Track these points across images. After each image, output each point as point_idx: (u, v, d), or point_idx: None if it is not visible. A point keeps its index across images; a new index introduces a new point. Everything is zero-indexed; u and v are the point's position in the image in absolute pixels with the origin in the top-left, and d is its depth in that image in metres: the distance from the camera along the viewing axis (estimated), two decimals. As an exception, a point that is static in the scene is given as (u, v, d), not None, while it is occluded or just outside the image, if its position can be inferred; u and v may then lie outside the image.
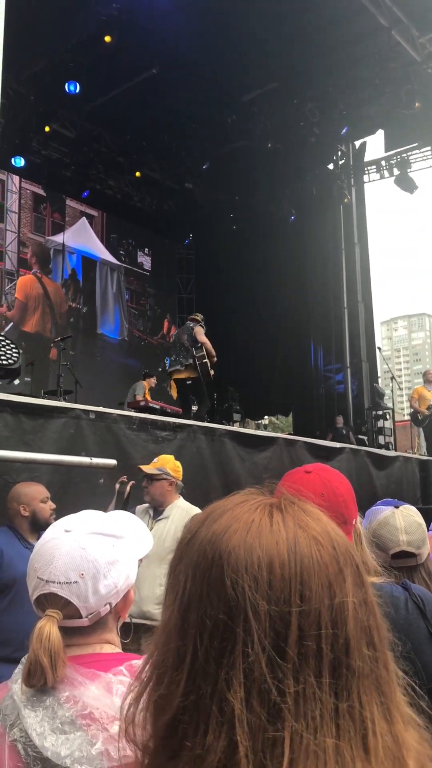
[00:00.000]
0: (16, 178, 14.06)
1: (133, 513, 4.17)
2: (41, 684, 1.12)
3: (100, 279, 16.49)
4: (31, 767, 1.07)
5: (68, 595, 1.18)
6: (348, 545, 0.71)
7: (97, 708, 1.12)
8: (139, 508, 4.39)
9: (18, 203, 14.39)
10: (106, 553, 1.23)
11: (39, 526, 3.62)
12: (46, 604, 1.19)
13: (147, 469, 4.28)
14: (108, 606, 1.22)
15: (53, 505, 3.66)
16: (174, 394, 8.46)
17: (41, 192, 14.74)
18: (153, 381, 10.51)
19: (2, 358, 5.60)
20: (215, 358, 8.13)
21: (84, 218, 15.90)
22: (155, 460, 4.36)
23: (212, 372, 8.18)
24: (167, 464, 4.31)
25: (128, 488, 4.21)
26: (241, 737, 0.63)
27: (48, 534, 1.27)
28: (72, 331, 14.82)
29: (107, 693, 1.13)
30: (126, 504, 4.16)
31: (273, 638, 0.65)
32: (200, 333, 8.10)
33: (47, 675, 1.11)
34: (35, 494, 3.66)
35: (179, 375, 8.19)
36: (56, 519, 1.32)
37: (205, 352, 7.93)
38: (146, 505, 4.37)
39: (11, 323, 13.98)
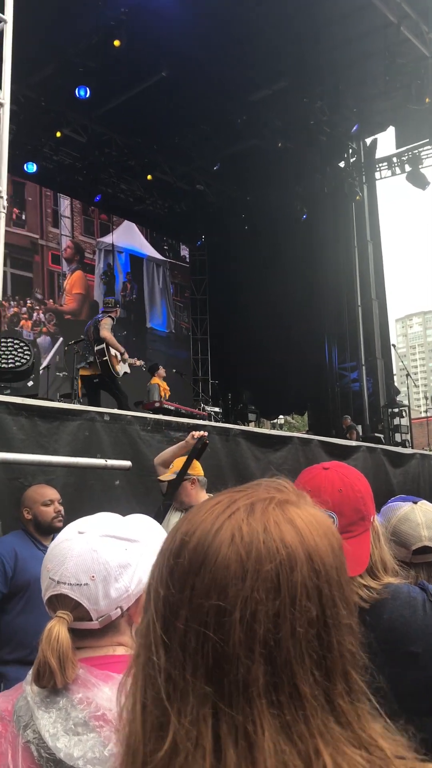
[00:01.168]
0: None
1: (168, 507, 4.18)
2: (51, 685, 1.12)
3: (147, 275, 17.26)
4: (45, 768, 1.08)
5: (78, 597, 1.18)
6: (282, 553, 0.65)
7: (110, 710, 1.11)
8: (175, 512, 4.36)
9: (70, 208, 15.30)
10: (118, 556, 1.22)
11: (42, 530, 3.65)
12: (57, 605, 1.19)
13: (165, 477, 4.24)
14: (119, 610, 1.22)
15: (59, 508, 3.67)
16: (79, 392, 8.01)
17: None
18: (162, 372, 10.34)
19: (10, 360, 5.63)
20: (124, 354, 7.83)
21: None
22: (170, 466, 4.33)
23: (121, 369, 7.84)
24: (179, 467, 4.28)
25: (201, 442, 4.00)
26: (137, 713, 0.65)
27: (62, 535, 1.27)
28: (123, 326, 15.44)
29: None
30: (199, 457, 3.97)
31: (163, 622, 0.66)
32: (104, 327, 7.75)
33: (56, 676, 1.11)
34: (37, 497, 3.69)
35: (84, 372, 7.87)
36: (67, 521, 1.32)
37: (105, 348, 7.58)
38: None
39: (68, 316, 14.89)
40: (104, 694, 1.13)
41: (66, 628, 1.16)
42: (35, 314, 14.34)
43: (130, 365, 8.31)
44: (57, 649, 1.13)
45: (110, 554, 1.22)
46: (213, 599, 0.63)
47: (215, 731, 0.61)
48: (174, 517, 4.28)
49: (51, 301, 14.81)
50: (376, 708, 0.69)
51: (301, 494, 0.74)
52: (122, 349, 7.78)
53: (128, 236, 16.79)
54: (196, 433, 4.06)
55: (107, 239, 16.17)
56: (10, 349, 5.99)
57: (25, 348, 6.16)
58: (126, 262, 16.75)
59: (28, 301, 14.27)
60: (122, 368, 7.87)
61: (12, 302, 13.58)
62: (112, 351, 7.71)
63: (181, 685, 0.63)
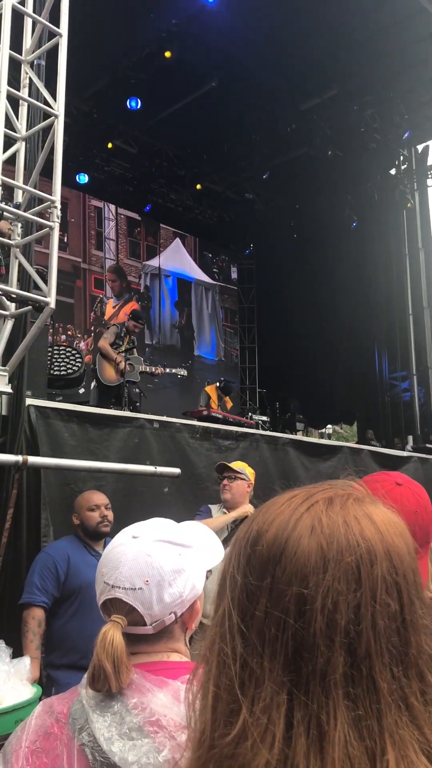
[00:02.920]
0: (112, 206, 14.65)
1: (207, 510, 4.21)
2: (105, 689, 1.13)
3: (195, 299, 16.59)
4: (99, 772, 1.08)
5: (133, 602, 1.18)
6: (362, 546, 0.66)
7: (165, 715, 1.11)
8: (213, 507, 4.39)
9: (115, 230, 14.84)
10: (172, 561, 1.23)
11: (89, 534, 3.70)
12: (111, 609, 1.20)
13: (234, 466, 4.29)
14: (173, 615, 1.22)
15: (105, 513, 3.71)
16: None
17: (136, 216, 15.16)
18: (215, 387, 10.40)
19: (62, 367, 5.72)
20: (120, 363, 7.81)
21: (177, 239, 16.20)
22: (232, 461, 4.38)
23: (115, 379, 7.82)
24: (246, 469, 4.34)
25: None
26: (209, 700, 0.66)
27: (116, 540, 1.28)
28: (171, 353, 15.09)
29: (175, 701, 1.13)
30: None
31: (240, 611, 0.66)
32: (103, 337, 7.95)
33: (110, 681, 1.12)
34: (83, 503, 3.74)
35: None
36: (117, 528, 1.33)
37: (99, 356, 7.79)
38: (219, 505, 4.37)
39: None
40: (159, 699, 1.13)
41: (120, 632, 1.16)
42: (76, 342, 13.62)
43: (148, 374, 8.43)
44: (111, 653, 1.13)
45: (164, 559, 1.22)
46: (294, 588, 0.64)
47: (288, 719, 0.61)
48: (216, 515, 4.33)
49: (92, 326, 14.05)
50: None
51: (373, 496, 0.74)
52: (114, 357, 7.82)
53: (176, 259, 16.13)
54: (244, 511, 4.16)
55: (153, 262, 15.60)
56: (62, 356, 6.10)
57: (77, 356, 6.26)
58: (174, 286, 16.09)
59: (69, 329, 13.65)
60: (129, 376, 7.82)
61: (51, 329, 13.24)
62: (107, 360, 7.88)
63: (257, 672, 0.63)
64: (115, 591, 1.20)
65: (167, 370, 8.74)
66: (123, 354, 7.73)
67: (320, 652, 0.62)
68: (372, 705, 0.61)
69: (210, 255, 16.89)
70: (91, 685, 1.14)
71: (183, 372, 9.13)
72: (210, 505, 4.38)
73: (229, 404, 9.89)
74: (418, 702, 0.64)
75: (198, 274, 16.76)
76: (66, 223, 13.66)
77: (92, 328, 14.08)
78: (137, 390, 8.12)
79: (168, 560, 1.22)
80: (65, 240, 13.76)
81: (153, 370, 8.44)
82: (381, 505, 0.72)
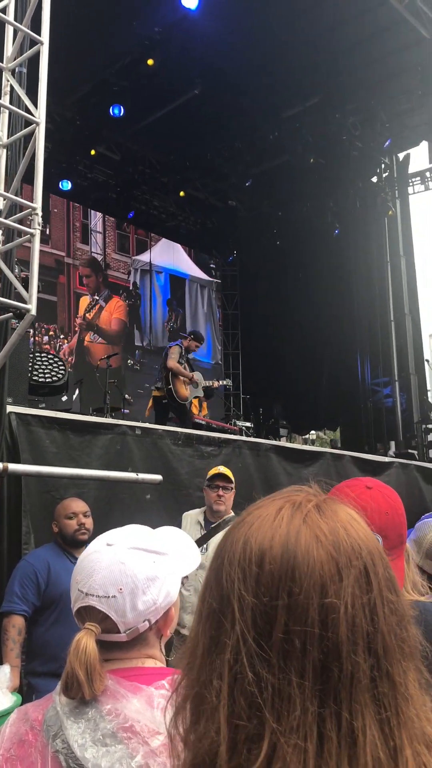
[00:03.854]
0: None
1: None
2: (79, 696, 1.13)
3: (189, 298, 15.85)
4: (72, 778, 1.08)
5: (106, 609, 1.19)
6: (363, 548, 0.68)
7: (139, 721, 1.12)
8: (190, 514, 4.38)
9: (102, 222, 13.98)
10: (146, 569, 1.23)
11: (67, 542, 3.70)
12: (85, 617, 1.21)
13: (230, 474, 4.26)
14: (147, 622, 1.22)
15: (83, 521, 3.70)
16: (147, 411, 8.61)
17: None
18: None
19: (46, 374, 5.71)
20: (193, 378, 8.17)
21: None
22: (222, 468, 4.34)
23: (189, 394, 8.18)
24: (231, 476, 4.32)
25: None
26: (222, 728, 0.64)
27: (91, 547, 1.29)
28: (160, 357, 14.09)
29: (149, 706, 1.14)
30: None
31: (257, 632, 0.65)
32: (171, 356, 8.13)
33: (83, 688, 1.12)
34: (61, 511, 3.74)
35: (156, 393, 8.36)
36: (99, 535, 1.33)
37: (168, 378, 8.00)
38: (198, 510, 4.37)
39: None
40: (133, 705, 1.14)
41: (94, 639, 1.17)
42: (59, 343, 12.88)
43: (208, 387, 8.65)
44: (84, 660, 1.14)
45: (138, 567, 1.22)
46: (315, 600, 0.64)
47: (320, 731, 0.61)
48: (194, 523, 4.30)
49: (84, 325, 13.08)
50: None
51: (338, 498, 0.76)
52: (189, 375, 8.12)
53: (168, 254, 15.32)
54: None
55: (144, 257, 14.82)
56: (45, 363, 6.08)
57: (60, 363, 6.25)
58: (166, 283, 15.25)
59: (51, 329, 12.78)
60: (192, 392, 8.19)
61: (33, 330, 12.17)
62: (180, 378, 8.10)
63: (285, 691, 0.63)
64: (89, 599, 1.20)
65: (220, 382, 8.97)
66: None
67: (348, 658, 0.63)
68: (392, 704, 0.63)
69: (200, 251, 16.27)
70: (64, 692, 1.15)
71: (228, 382, 9.60)
72: (188, 512, 4.39)
73: (204, 411, 9.92)
74: (417, 692, 0.66)
75: (193, 270, 16.06)
76: (47, 214, 12.69)
77: (76, 329, 13.44)
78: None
79: (142, 568, 1.23)
80: (47, 232, 12.89)
81: (212, 384, 8.71)
82: (349, 507, 0.75)
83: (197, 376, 8.27)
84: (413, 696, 0.65)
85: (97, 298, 14.06)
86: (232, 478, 4.27)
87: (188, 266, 16.06)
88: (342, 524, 0.70)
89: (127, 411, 9.14)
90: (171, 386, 7.94)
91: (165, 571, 1.26)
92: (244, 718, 0.63)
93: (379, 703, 0.63)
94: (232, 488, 4.25)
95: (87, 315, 13.73)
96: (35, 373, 5.72)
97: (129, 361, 14.25)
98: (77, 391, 7.48)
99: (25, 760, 1.13)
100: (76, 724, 1.13)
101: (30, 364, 5.73)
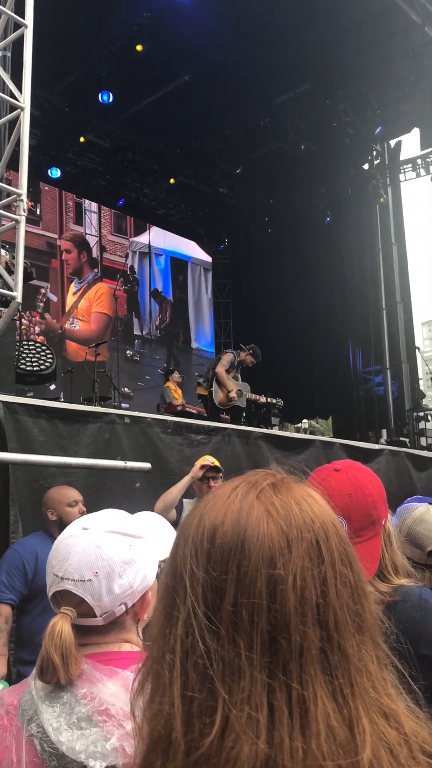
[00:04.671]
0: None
1: (181, 504, 4.21)
2: (54, 681, 1.13)
3: (192, 283, 15.19)
4: (47, 762, 1.08)
5: (82, 593, 1.18)
6: (316, 522, 0.69)
7: (114, 705, 1.12)
8: (190, 501, 4.39)
9: (98, 204, 13.05)
10: (122, 552, 1.23)
11: None
12: (60, 602, 1.20)
13: (219, 464, 4.29)
14: (123, 606, 1.22)
15: (83, 509, 3.69)
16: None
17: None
18: (177, 377, 10.36)
19: (34, 363, 5.69)
20: (231, 393, 8.27)
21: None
22: (209, 459, 4.35)
23: (230, 402, 8.32)
24: (217, 464, 4.34)
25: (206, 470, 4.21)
26: (176, 701, 0.65)
27: (66, 531, 1.28)
28: (160, 347, 13.71)
29: (124, 690, 1.13)
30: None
31: (206, 606, 0.66)
32: (221, 363, 8.26)
33: (59, 672, 1.12)
34: (62, 498, 3.71)
35: (200, 390, 8.54)
36: None
37: (213, 381, 8.14)
38: (195, 499, 4.38)
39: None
40: (108, 689, 1.14)
41: (69, 624, 1.16)
42: (35, 328, 11.97)
43: (254, 401, 8.78)
44: (60, 645, 1.14)
45: (114, 550, 1.22)
46: (264, 571, 0.65)
47: (270, 702, 0.62)
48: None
49: (54, 320, 12.20)
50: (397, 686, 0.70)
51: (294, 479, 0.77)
52: (231, 387, 8.20)
53: (169, 235, 14.49)
54: (200, 463, 4.17)
55: (142, 239, 14.06)
56: (33, 352, 6.05)
57: (48, 352, 6.22)
58: (166, 267, 14.50)
59: (42, 323, 11.94)
60: (235, 401, 8.30)
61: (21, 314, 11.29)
62: (227, 386, 8.23)
63: (235, 663, 0.63)
64: (65, 583, 1.20)
65: (268, 399, 8.96)
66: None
67: (296, 629, 0.63)
68: (344, 675, 0.64)
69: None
70: (39, 676, 1.15)
71: (280, 402, 9.45)
72: (184, 500, 4.39)
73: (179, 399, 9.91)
74: (374, 666, 0.67)
75: (195, 252, 15.35)
76: (38, 193, 11.96)
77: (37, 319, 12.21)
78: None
79: (118, 551, 1.22)
80: (38, 212, 12.24)
81: (258, 398, 8.77)
82: (307, 486, 0.75)
83: (240, 389, 8.37)
84: (369, 669, 0.66)
85: (80, 281, 13.17)
86: (221, 467, 4.28)
87: (190, 248, 15.38)
88: (296, 500, 0.70)
89: (126, 405, 9.14)
90: (213, 389, 8.14)
91: (141, 554, 1.26)
92: (196, 691, 0.64)
93: (332, 675, 0.63)
94: (221, 477, 4.26)
95: (72, 311, 12.86)
96: (22, 361, 5.69)
97: (128, 353, 13.89)
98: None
99: (-1, 745, 1.12)
100: (51, 708, 1.13)
101: (17, 352, 5.70)
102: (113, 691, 1.14)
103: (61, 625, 1.15)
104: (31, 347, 5.90)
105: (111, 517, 1.30)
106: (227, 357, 8.29)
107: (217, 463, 4.30)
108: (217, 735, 0.62)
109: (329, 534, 0.69)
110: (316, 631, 0.64)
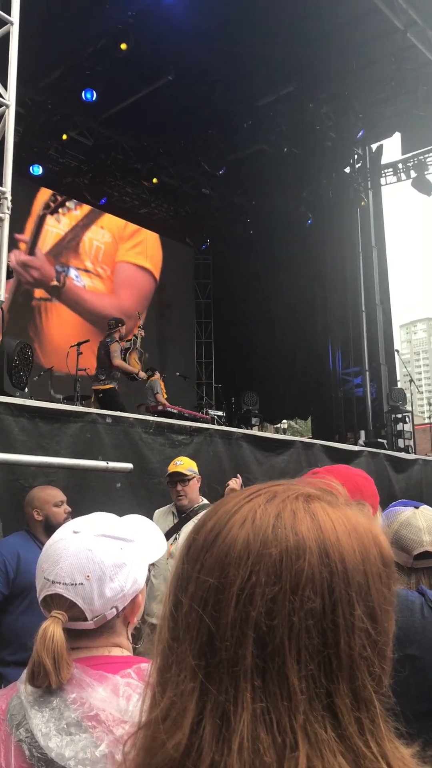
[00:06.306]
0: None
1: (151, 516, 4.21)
2: (45, 685, 1.12)
3: None
4: (36, 768, 1.07)
5: (73, 597, 1.18)
6: (292, 543, 0.64)
7: (104, 710, 1.11)
8: (160, 510, 4.39)
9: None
10: (114, 556, 1.22)
11: (53, 531, 3.63)
12: (51, 605, 1.19)
13: (184, 470, 4.27)
14: (114, 609, 1.21)
15: (68, 509, 3.66)
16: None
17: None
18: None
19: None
20: (139, 374, 8.48)
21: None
22: (179, 463, 4.34)
23: (141, 374, 8.56)
24: (191, 464, 4.33)
25: None
26: (156, 688, 0.67)
27: (57, 535, 1.27)
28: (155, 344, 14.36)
29: (114, 695, 1.13)
30: None
31: (174, 599, 0.67)
32: (114, 354, 8.08)
33: (50, 677, 1.11)
34: (48, 498, 3.67)
35: (97, 387, 8.32)
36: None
37: (114, 377, 8.12)
38: (167, 507, 4.38)
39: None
40: (98, 694, 1.13)
41: (61, 628, 1.15)
42: None
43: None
44: (52, 649, 1.13)
45: (105, 554, 1.21)
46: (214, 577, 0.64)
47: (199, 706, 0.62)
48: (164, 516, 4.32)
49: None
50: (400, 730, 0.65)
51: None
52: (135, 370, 8.37)
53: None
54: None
55: None
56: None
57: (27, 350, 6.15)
58: None
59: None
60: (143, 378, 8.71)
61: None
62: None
63: (179, 658, 0.64)
64: (56, 587, 1.19)
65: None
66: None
67: (231, 642, 0.61)
68: (283, 700, 0.60)
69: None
70: (30, 681, 1.13)
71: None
72: (157, 510, 4.40)
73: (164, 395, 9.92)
74: (345, 705, 0.61)
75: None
76: None
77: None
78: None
79: (109, 555, 1.22)
80: None
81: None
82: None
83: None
84: (336, 706, 0.61)
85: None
86: (187, 472, 4.25)
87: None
88: (281, 512, 0.66)
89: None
90: (111, 386, 8.27)
91: (132, 557, 1.26)
92: (154, 675, 0.67)
93: (264, 696, 0.60)
94: (189, 479, 4.24)
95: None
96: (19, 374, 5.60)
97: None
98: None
99: (-13, 750, 1.11)
100: (41, 713, 1.12)
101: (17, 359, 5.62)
102: (103, 696, 1.13)
103: (52, 629, 1.14)
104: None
105: (101, 520, 1.29)
106: (115, 347, 8.18)
107: (180, 469, 4.27)
108: (156, 720, 0.64)
109: (303, 554, 0.63)
110: (251, 650, 0.61)
